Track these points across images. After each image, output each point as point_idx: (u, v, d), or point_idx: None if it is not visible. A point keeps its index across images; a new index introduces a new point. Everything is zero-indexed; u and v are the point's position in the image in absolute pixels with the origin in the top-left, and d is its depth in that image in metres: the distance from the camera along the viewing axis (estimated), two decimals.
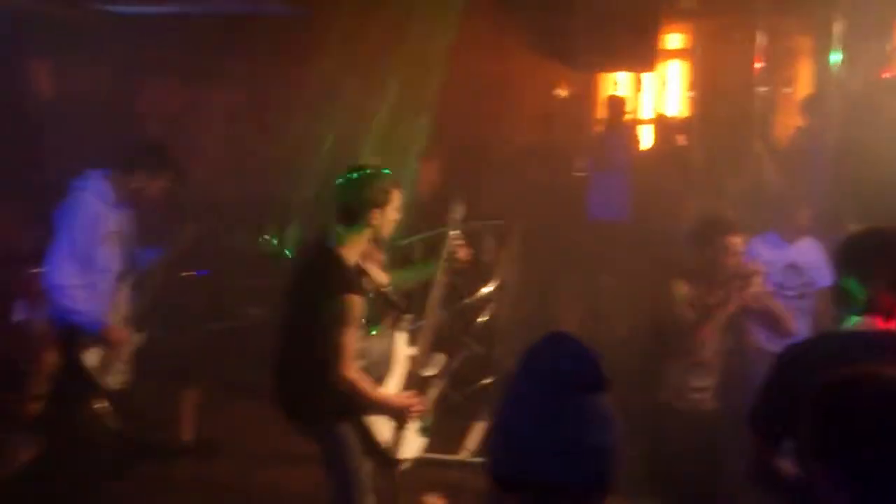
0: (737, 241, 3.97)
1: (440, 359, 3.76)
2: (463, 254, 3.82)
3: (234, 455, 5.03)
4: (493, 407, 1.60)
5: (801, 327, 4.26)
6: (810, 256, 4.71)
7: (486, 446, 1.60)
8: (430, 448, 3.76)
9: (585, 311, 6.85)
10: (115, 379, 4.47)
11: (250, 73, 7.41)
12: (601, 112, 8.15)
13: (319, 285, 3.34)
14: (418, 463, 3.69)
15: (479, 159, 7.40)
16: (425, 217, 5.07)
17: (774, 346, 3.67)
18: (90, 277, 4.27)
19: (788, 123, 7.08)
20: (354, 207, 3.38)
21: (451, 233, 3.81)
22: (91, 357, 4.35)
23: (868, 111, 5.64)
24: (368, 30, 6.87)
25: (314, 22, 7.14)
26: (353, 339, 3.29)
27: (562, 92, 8.69)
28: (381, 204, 3.39)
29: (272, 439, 5.07)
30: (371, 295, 3.49)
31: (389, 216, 3.44)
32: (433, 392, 3.75)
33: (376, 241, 3.53)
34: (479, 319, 5.29)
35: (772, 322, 4.12)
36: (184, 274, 5.09)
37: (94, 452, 4.57)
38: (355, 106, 6.88)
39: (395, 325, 3.62)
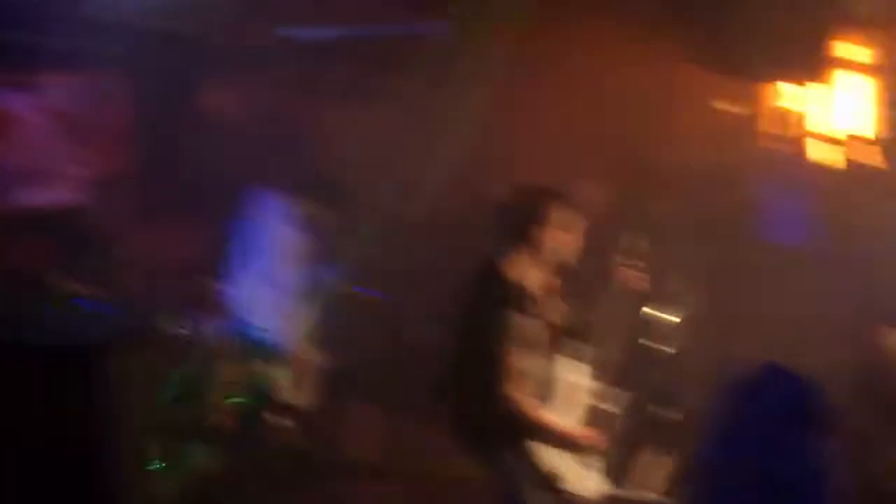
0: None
1: (623, 395, 3.60)
2: (636, 283, 3.64)
3: (411, 476, 5.04)
4: (682, 444, 1.49)
5: None
6: None
7: (687, 484, 1.49)
8: (611, 485, 3.59)
9: (769, 343, 6.51)
10: (297, 396, 4.60)
11: (418, 92, 7.52)
12: (775, 128, 7.79)
13: (480, 302, 3.26)
14: (600, 500, 3.50)
15: (645, 181, 7.22)
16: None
17: None
18: (271, 295, 4.44)
19: None
20: (514, 225, 3.31)
21: (624, 261, 3.66)
22: (273, 374, 4.50)
23: None
24: (530, 47, 6.87)
25: (477, 42, 7.21)
26: (519, 361, 3.18)
27: (732, 107, 8.36)
28: (542, 222, 3.28)
29: (450, 463, 5.10)
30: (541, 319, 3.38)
31: (558, 237, 3.32)
32: (614, 428, 3.57)
33: (556, 265, 3.41)
34: (664, 350, 5.09)
35: None
36: (359, 294, 5.18)
37: (273, 468, 4.73)
38: (518, 124, 6.88)
39: (569, 353, 3.48)
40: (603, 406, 3.51)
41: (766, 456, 1.38)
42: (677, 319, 4.82)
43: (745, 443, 1.41)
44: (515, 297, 3.24)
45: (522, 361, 3.19)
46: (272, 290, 4.45)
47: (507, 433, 3.28)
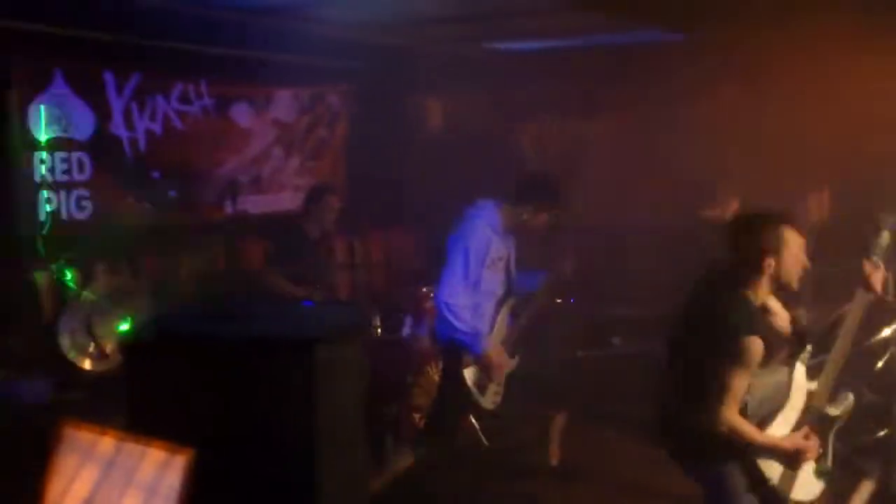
0: None
1: (847, 397, 3.47)
2: (879, 283, 3.48)
3: (596, 482, 5.05)
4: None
5: None
6: None
7: None
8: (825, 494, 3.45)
9: None
10: (490, 399, 4.73)
11: (631, 102, 7.47)
12: None
13: (722, 325, 3.22)
14: None
15: (879, 185, 6.77)
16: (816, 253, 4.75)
17: None
18: (475, 299, 4.60)
19: None
20: (749, 256, 3.26)
21: (871, 259, 3.49)
22: (469, 375, 4.65)
23: None
24: (753, 51, 6.65)
25: (692, 47, 7.07)
26: (744, 381, 3.17)
27: None
28: (776, 251, 3.23)
29: (635, 471, 5.07)
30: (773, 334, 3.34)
31: (788, 262, 3.25)
32: (829, 431, 3.45)
33: (780, 286, 3.33)
34: (878, 363, 4.79)
35: None
36: (558, 301, 5.23)
37: (463, 467, 4.85)
38: (745, 134, 6.67)
39: (793, 358, 3.42)
40: (822, 408, 3.42)
41: None
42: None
43: None
44: (761, 325, 3.23)
45: (745, 382, 3.19)
46: (476, 295, 4.59)
47: (720, 451, 3.26)
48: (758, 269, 3.25)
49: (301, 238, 5.81)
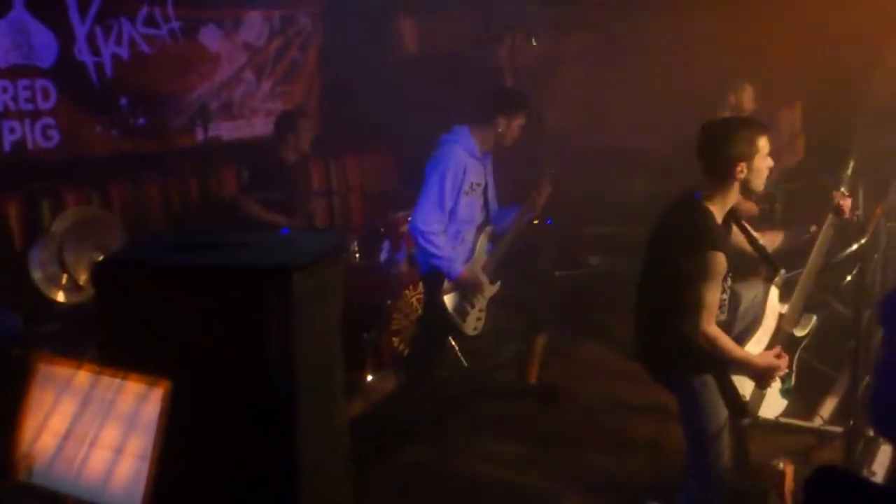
0: None
1: (811, 319, 3.55)
2: (847, 208, 3.58)
3: (576, 400, 5.12)
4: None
5: None
6: None
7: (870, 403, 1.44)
8: (785, 412, 3.58)
9: None
10: (471, 325, 4.75)
11: (607, 21, 7.33)
12: None
13: (683, 239, 3.28)
14: (769, 426, 3.57)
15: (849, 103, 6.76)
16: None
17: None
18: (454, 226, 4.58)
19: None
20: (719, 162, 3.28)
21: (839, 187, 3.61)
22: (450, 302, 4.65)
23: None
24: None
25: None
26: (714, 294, 3.23)
27: None
28: (748, 157, 3.26)
29: (615, 387, 5.15)
30: (740, 250, 3.39)
31: (758, 166, 3.30)
32: (795, 352, 3.55)
33: (746, 192, 3.39)
34: (847, 278, 4.87)
35: None
36: (535, 223, 5.20)
37: (443, 389, 4.90)
38: (722, 54, 6.59)
39: (767, 280, 3.49)
40: (791, 330, 3.51)
41: None
42: (865, 246, 4.61)
43: None
44: (722, 238, 3.27)
45: (716, 295, 3.24)
46: (453, 221, 4.57)
47: (696, 363, 3.32)
48: (729, 176, 3.27)
49: (276, 164, 5.72)
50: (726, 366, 3.33)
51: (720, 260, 3.21)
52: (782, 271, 3.49)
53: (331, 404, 3.12)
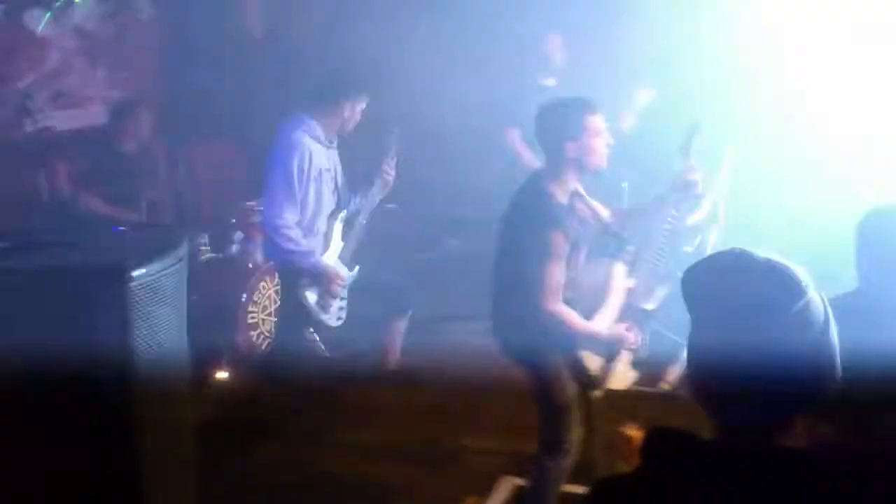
0: None
1: (660, 292, 3.66)
2: (698, 182, 3.66)
3: (436, 383, 5.12)
4: None
5: None
6: None
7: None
8: (637, 382, 3.72)
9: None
10: (335, 315, 4.65)
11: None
12: None
13: (527, 220, 3.34)
14: (618, 395, 3.66)
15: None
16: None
17: None
18: (306, 216, 4.45)
19: None
20: (551, 143, 3.33)
21: (688, 161, 3.66)
22: (311, 296, 4.53)
23: None
24: None
25: None
26: (557, 274, 3.28)
27: None
28: (577, 135, 3.30)
29: (474, 367, 5.16)
30: (582, 226, 3.45)
31: (591, 145, 3.33)
32: (649, 325, 3.68)
33: (587, 172, 3.44)
34: (687, 249, 5.06)
35: None
36: (389, 206, 5.17)
37: (304, 382, 4.81)
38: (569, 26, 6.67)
39: (613, 256, 3.57)
40: (639, 304, 3.61)
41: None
42: (705, 217, 4.80)
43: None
44: (555, 215, 3.32)
45: (560, 274, 3.29)
46: (304, 210, 4.45)
47: (544, 341, 3.38)
48: (561, 156, 3.32)
49: (114, 155, 5.45)
50: (574, 341, 3.40)
51: (561, 240, 3.27)
52: (630, 248, 3.57)
53: (175, 405, 2.99)
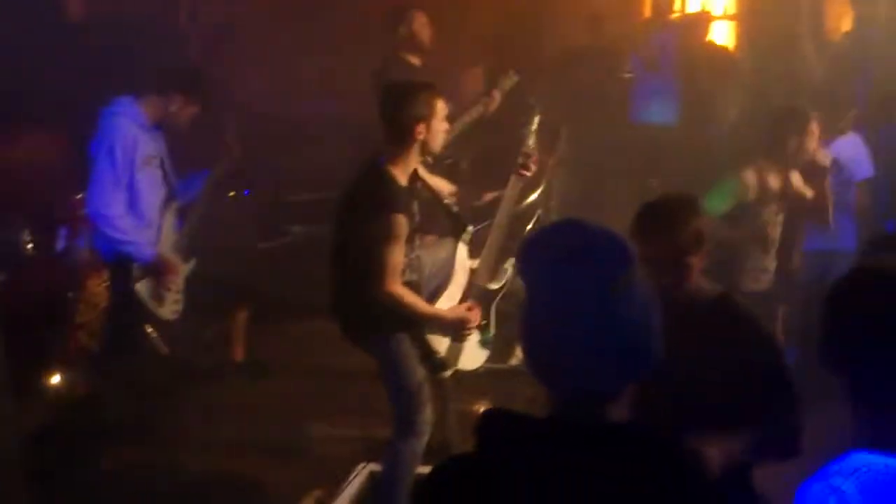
0: (815, 129, 4.17)
1: (506, 272, 3.70)
2: (535, 164, 3.76)
3: (284, 373, 5.03)
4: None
5: (842, 222, 4.59)
6: (851, 152, 4.75)
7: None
8: (488, 360, 3.76)
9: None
10: (170, 309, 4.46)
11: None
12: (648, 10, 7.83)
13: (367, 203, 3.33)
14: (471, 374, 3.70)
15: (526, 62, 7.18)
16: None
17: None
18: (134, 206, 4.22)
19: (839, 13, 6.76)
20: (399, 124, 3.34)
21: (528, 143, 3.74)
22: (143, 289, 4.32)
23: None
24: None
25: None
26: (398, 256, 3.29)
27: None
28: (425, 117, 3.33)
29: (324, 356, 5.10)
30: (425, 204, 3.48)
31: (436, 128, 3.37)
32: (495, 305, 3.69)
33: (426, 154, 3.47)
34: (527, 226, 5.17)
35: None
36: (230, 194, 5.01)
37: (145, 380, 4.60)
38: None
39: (455, 237, 3.59)
40: (484, 284, 3.64)
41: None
42: (542, 194, 4.93)
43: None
44: (396, 198, 3.32)
45: (400, 256, 3.29)
46: (133, 200, 4.22)
47: (389, 324, 3.39)
48: (409, 137, 3.34)
49: None
50: (418, 323, 3.41)
51: (402, 222, 3.28)
52: (469, 228, 3.60)
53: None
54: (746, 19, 7.43)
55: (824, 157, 4.36)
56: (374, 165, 3.39)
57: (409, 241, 3.35)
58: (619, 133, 6.76)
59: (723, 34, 7.74)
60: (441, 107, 3.40)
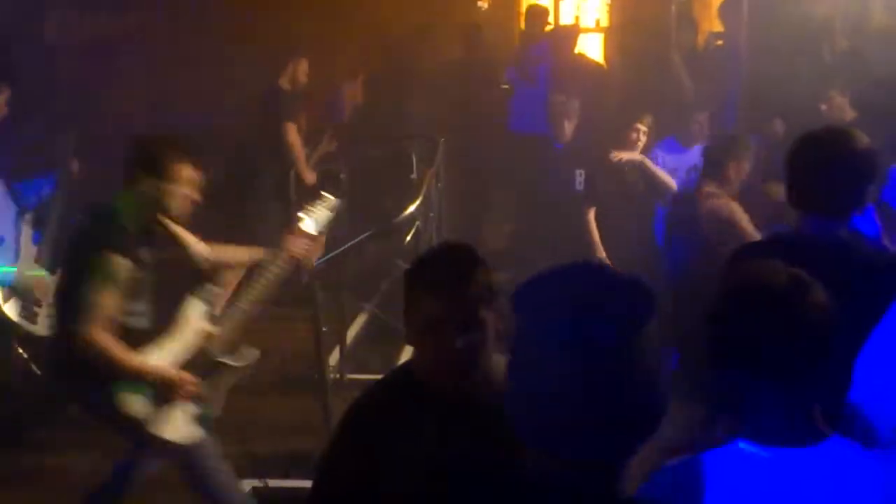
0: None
1: (250, 352, 3.34)
2: (300, 249, 3.36)
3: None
4: None
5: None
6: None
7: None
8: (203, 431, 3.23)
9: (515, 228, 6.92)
10: (44, 324, 4.28)
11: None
12: (523, 23, 8.05)
13: (87, 239, 3.12)
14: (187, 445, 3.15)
15: (404, 75, 7.29)
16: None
17: None
18: None
19: (705, 28, 7.12)
20: (131, 171, 3.11)
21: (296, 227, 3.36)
22: (12, 309, 4.19)
23: (781, 14, 5.65)
24: None
25: None
26: (108, 300, 2.98)
27: (485, 3, 8.57)
28: (157, 173, 3.07)
29: None
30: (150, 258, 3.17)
31: (171, 190, 3.09)
32: (224, 382, 3.28)
33: (163, 213, 3.18)
34: (407, 239, 5.25)
35: None
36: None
37: (14, 404, 4.45)
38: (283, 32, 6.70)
39: (193, 292, 3.26)
40: (215, 354, 3.25)
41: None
42: (421, 207, 4.92)
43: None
44: (120, 239, 3.07)
45: (111, 299, 3.00)
46: None
47: (92, 372, 3.03)
48: (136, 186, 3.10)
49: None
50: (124, 381, 3.05)
51: (120, 263, 3.01)
52: (208, 286, 3.28)
53: None
54: (617, 32, 7.73)
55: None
56: (107, 204, 3.16)
57: (135, 289, 3.08)
58: (499, 142, 6.94)
59: (594, 46, 8.04)
60: (185, 171, 3.10)
